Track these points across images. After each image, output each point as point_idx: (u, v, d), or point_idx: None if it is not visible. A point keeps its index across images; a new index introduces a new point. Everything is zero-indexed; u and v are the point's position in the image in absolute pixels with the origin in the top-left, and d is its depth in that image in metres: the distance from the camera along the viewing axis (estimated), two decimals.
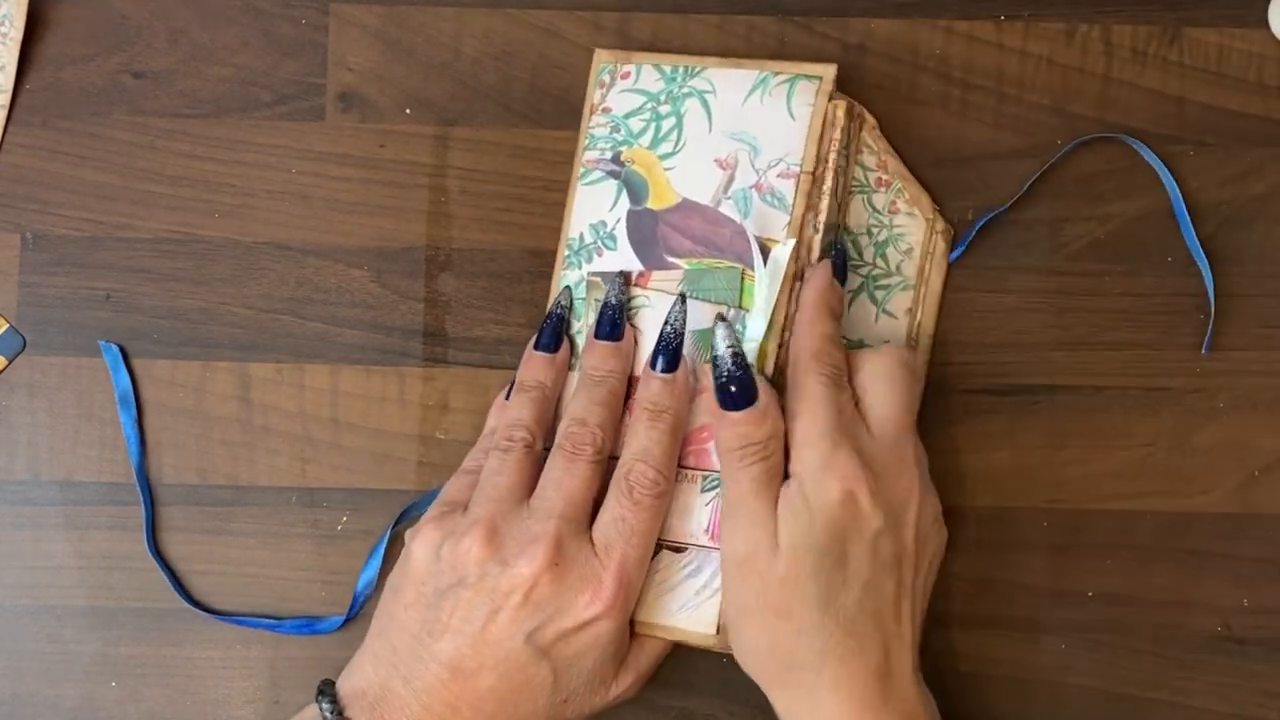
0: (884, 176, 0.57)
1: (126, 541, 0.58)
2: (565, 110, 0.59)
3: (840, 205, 0.56)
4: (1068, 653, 0.58)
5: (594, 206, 0.56)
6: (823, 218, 0.54)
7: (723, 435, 0.52)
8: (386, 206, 0.59)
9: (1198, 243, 0.58)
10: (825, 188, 0.54)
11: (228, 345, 0.58)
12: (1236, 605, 0.58)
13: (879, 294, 0.57)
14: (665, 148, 0.56)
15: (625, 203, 0.56)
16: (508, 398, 0.56)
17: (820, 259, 0.54)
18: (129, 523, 0.58)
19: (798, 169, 0.54)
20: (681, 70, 0.56)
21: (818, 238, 0.54)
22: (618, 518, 0.52)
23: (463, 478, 0.55)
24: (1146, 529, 0.58)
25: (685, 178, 0.55)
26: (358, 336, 0.58)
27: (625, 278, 0.55)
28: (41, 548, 0.58)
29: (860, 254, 0.57)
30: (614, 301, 0.54)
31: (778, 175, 0.55)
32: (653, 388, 0.53)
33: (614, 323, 0.54)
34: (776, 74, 0.56)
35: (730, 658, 0.57)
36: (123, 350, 0.58)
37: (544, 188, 0.59)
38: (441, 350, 0.58)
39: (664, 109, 0.56)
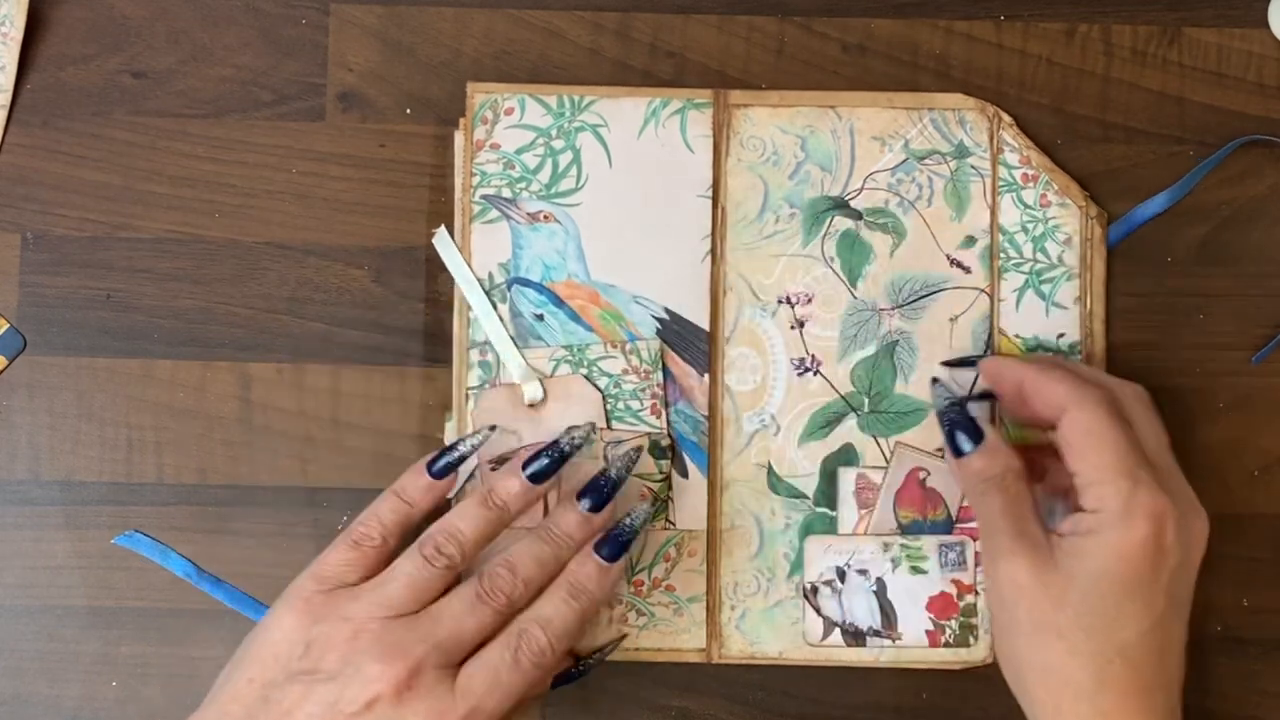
0: (1029, 172, 0.58)
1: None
2: None
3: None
4: None
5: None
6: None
7: (962, 479, 0.53)
8: (386, 206, 0.59)
9: None
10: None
11: (228, 345, 0.58)
12: (1236, 605, 0.58)
13: (1045, 288, 0.58)
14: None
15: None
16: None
17: None
18: (129, 523, 0.58)
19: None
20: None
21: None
22: (492, 667, 0.49)
23: (349, 551, 0.51)
24: None
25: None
26: (358, 336, 0.58)
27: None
28: (41, 548, 0.58)
29: (1019, 251, 0.58)
30: (613, 476, 0.53)
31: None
32: (588, 568, 0.52)
33: (601, 492, 0.53)
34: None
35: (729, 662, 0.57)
36: (143, 532, 0.58)
37: None
38: (442, 350, 0.58)
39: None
